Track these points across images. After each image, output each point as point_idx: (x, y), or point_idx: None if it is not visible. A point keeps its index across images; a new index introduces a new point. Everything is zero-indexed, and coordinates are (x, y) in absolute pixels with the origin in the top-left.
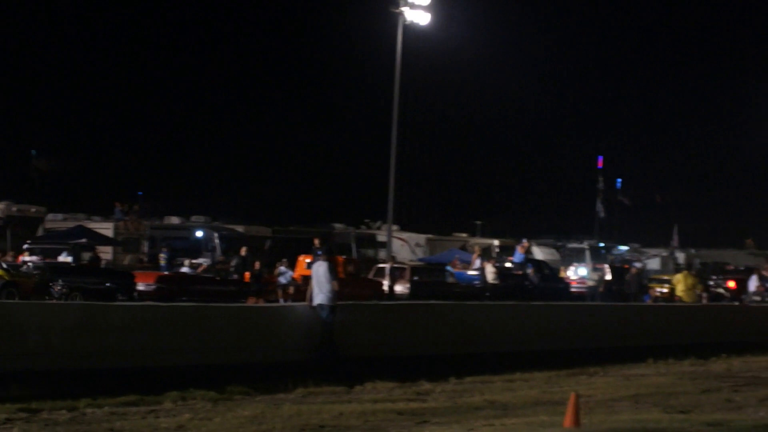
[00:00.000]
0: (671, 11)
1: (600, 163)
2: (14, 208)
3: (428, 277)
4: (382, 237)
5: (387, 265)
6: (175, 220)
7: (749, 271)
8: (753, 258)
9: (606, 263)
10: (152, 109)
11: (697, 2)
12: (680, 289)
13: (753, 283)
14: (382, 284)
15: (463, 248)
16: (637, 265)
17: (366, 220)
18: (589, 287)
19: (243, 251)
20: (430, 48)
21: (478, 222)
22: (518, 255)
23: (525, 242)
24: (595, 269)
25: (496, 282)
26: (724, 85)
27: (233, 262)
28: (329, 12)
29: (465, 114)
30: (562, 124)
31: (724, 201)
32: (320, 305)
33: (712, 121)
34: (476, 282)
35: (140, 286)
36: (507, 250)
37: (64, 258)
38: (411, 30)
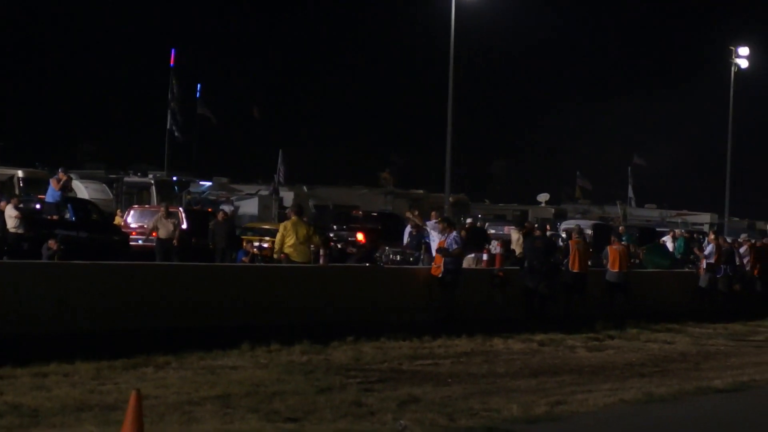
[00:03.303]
0: None
1: (173, 60)
2: None
3: None
4: None
5: None
6: None
7: (387, 218)
8: (392, 200)
9: (181, 205)
10: None
11: None
12: (289, 244)
13: (407, 236)
14: None
15: None
16: (226, 208)
17: None
18: (161, 240)
19: None
20: None
21: None
22: (52, 192)
23: (61, 174)
24: (169, 214)
25: (19, 231)
26: None
27: None
28: None
29: None
30: (120, 6)
31: (348, 117)
32: None
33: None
34: None
35: None
36: (36, 185)
37: None
38: None
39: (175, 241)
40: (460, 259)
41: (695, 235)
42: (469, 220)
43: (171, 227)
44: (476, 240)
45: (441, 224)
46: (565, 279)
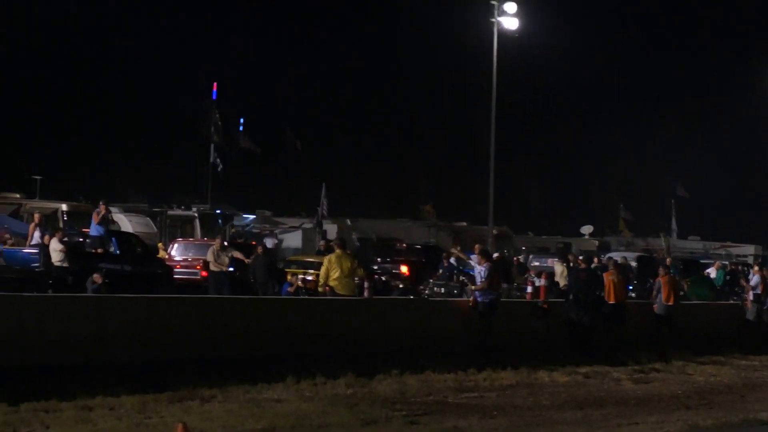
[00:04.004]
0: None
1: (215, 94)
2: None
3: None
4: None
5: None
6: None
7: (430, 250)
8: (435, 233)
9: (225, 239)
10: None
11: None
12: (333, 277)
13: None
14: None
15: (16, 215)
16: (269, 241)
17: None
18: (214, 273)
19: None
20: None
21: (38, 177)
22: (95, 225)
23: (102, 207)
24: (224, 247)
25: (64, 264)
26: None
27: None
28: None
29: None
30: (160, 40)
31: (391, 150)
32: None
33: (370, 35)
34: (36, 264)
35: None
36: (80, 218)
37: None
38: None
39: (237, 273)
40: (493, 291)
41: (739, 267)
42: (495, 254)
43: (226, 260)
44: (501, 271)
45: (478, 256)
46: (604, 310)
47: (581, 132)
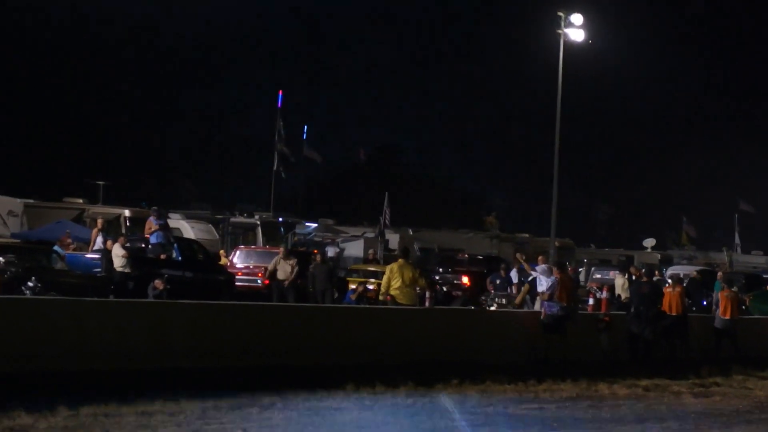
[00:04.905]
0: None
1: (280, 102)
2: None
3: (27, 260)
4: None
5: None
6: None
7: (492, 261)
8: (497, 244)
9: (287, 247)
10: None
11: None
12: (395, 286)
13: (515, 278)
14: None
15: (79, 220)
16: (331, 250)
17: None
18: (278, 281)
19: None
20: None
21: (101, 183)
22: (156, 232)
23: (153, 214)
24: (287, 256)
25: (126, 270)
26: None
27: None
28: None
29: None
30: (226, 49)
31: (454, 160)
32: None
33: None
34: (98, 270)
35: None
36: (143, 224)
37: None
38: None
39: (286, 283)
40: (562, 305)
41: None
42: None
43: (289, 269)
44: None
45: (550, 267)
46: (665, 323)
47: (646, 145)
